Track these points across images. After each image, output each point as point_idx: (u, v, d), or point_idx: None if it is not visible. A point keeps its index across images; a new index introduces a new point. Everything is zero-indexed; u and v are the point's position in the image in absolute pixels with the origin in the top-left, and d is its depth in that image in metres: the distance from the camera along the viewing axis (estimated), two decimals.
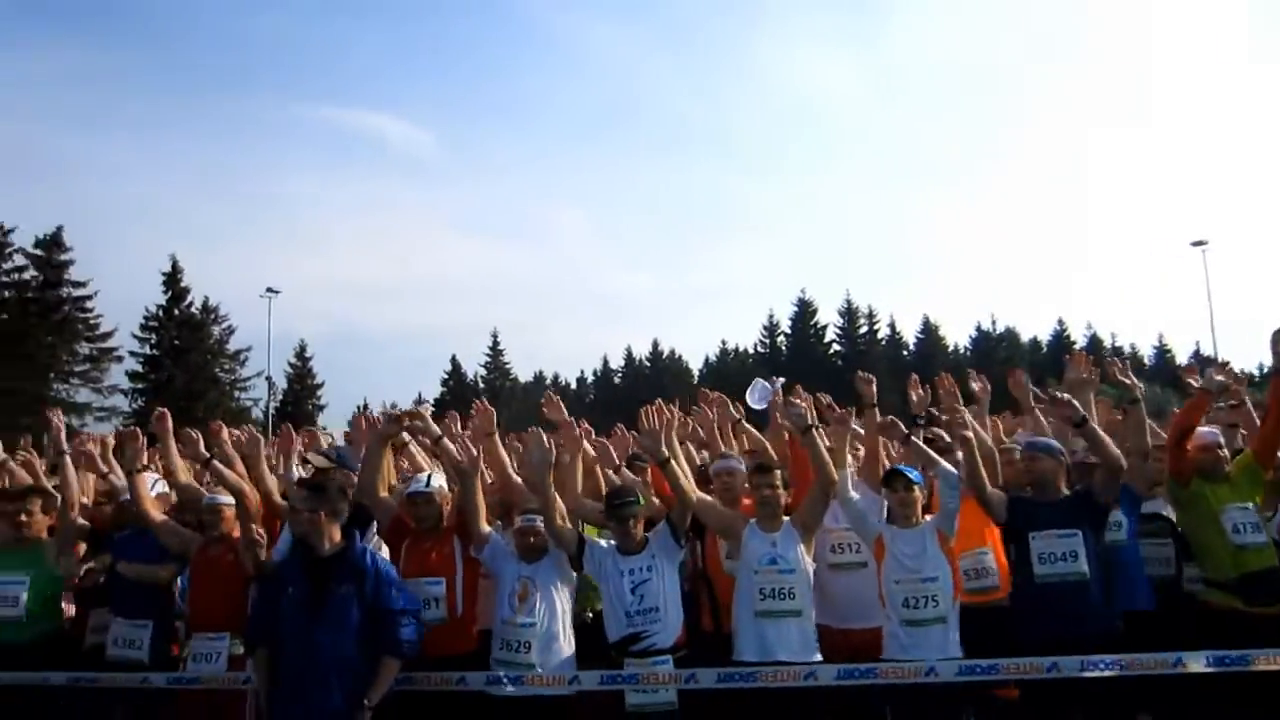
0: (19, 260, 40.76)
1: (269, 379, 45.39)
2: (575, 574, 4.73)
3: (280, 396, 51.74)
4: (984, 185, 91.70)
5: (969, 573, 4.88)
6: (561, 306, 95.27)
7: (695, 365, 63.98)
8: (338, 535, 4.18)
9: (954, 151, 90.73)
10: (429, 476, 4.88)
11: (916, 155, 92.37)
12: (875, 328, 60.21)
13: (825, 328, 59.58)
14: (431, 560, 4.72)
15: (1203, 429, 5.08)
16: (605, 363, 66.15)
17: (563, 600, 4.61)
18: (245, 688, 4.48)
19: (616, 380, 64.39)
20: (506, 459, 5.39)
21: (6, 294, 40.05)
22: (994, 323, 60.24)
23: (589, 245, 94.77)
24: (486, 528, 4.73)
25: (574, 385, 66.65)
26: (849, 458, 4.90)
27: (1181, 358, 60.77)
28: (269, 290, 41.35)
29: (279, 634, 4.08)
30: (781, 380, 6.45)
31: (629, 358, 65.39)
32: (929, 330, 60.75)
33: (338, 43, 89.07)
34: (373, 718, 3.98)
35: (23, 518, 5.10)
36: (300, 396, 55.20)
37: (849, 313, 59.26)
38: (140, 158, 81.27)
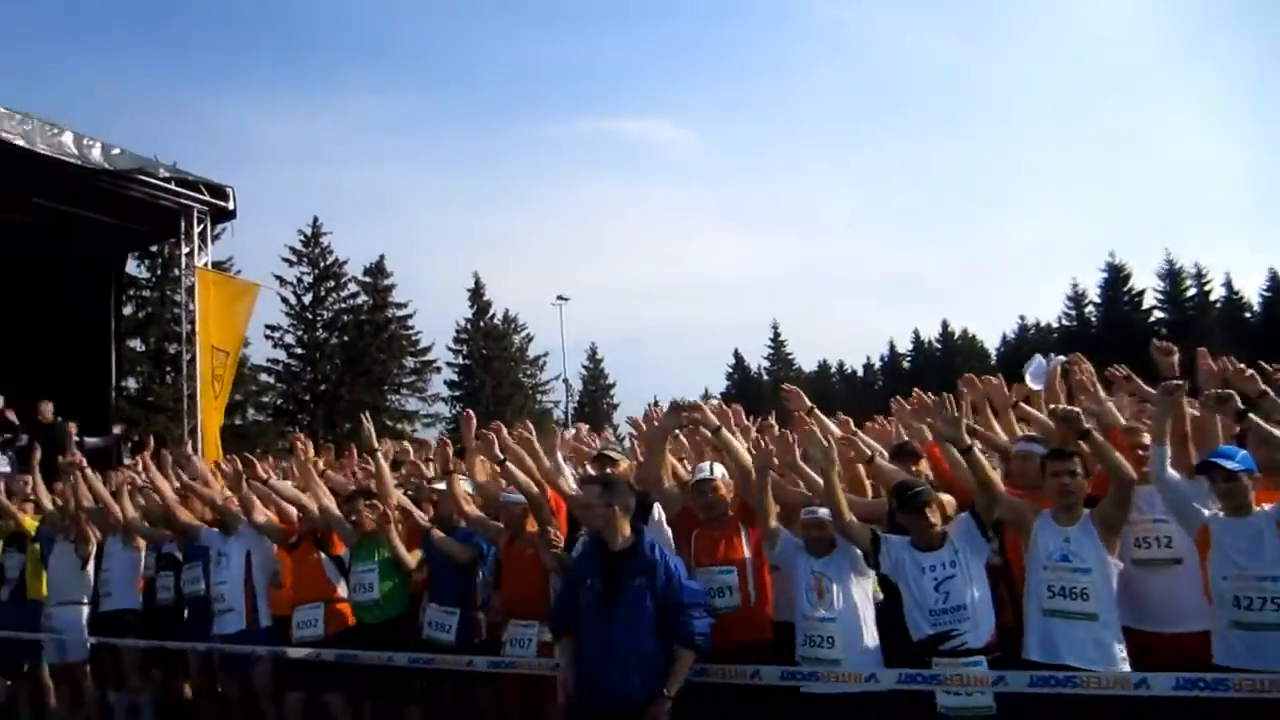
0: (353, 288, 46.41)
1: (565, 381, 48.40)
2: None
3: (576, 398, 55.11)
4: None
5: None
6: (841, 293, 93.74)
7: (992, 345, 60.05)
8: (628, 530, 4.27)
9: None
10: (711, 465, 4.83)
11: (1239, 88, 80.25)
12: (1206, 289, 52.75)
13: (1142, 293, 52.95)
14: (721, 549, 4.68)
15: None
16: (891, 347, 63.81)
17: (862, 594, 4.37)
18: (554, 673, 4.59)
19: (905, 365, 61.68)
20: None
21: (345, 318, 45.69)
22: None
23: (865, 229, 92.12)
24: (775, 524, 4.55)
25: (860, 372, 64.86)
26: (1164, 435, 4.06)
27: None
28: (559, 298, 43.99)
29: (578, 625, 4.25)
30: (1061, 358, 5.68)
31: (917, 341, 62.61)
32: (1277, 287, 52.06)
33: (599, 55, 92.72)
34: (672, 709, 4.02)
35: (354, 517, 5.59)
36: (595, 397, 58.50)
37: (1171, 274, 52.26)
38: (445, 186, 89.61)
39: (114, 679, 6.75)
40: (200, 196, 13.77)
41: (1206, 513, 3.92)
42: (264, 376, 42.38)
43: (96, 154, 12.14)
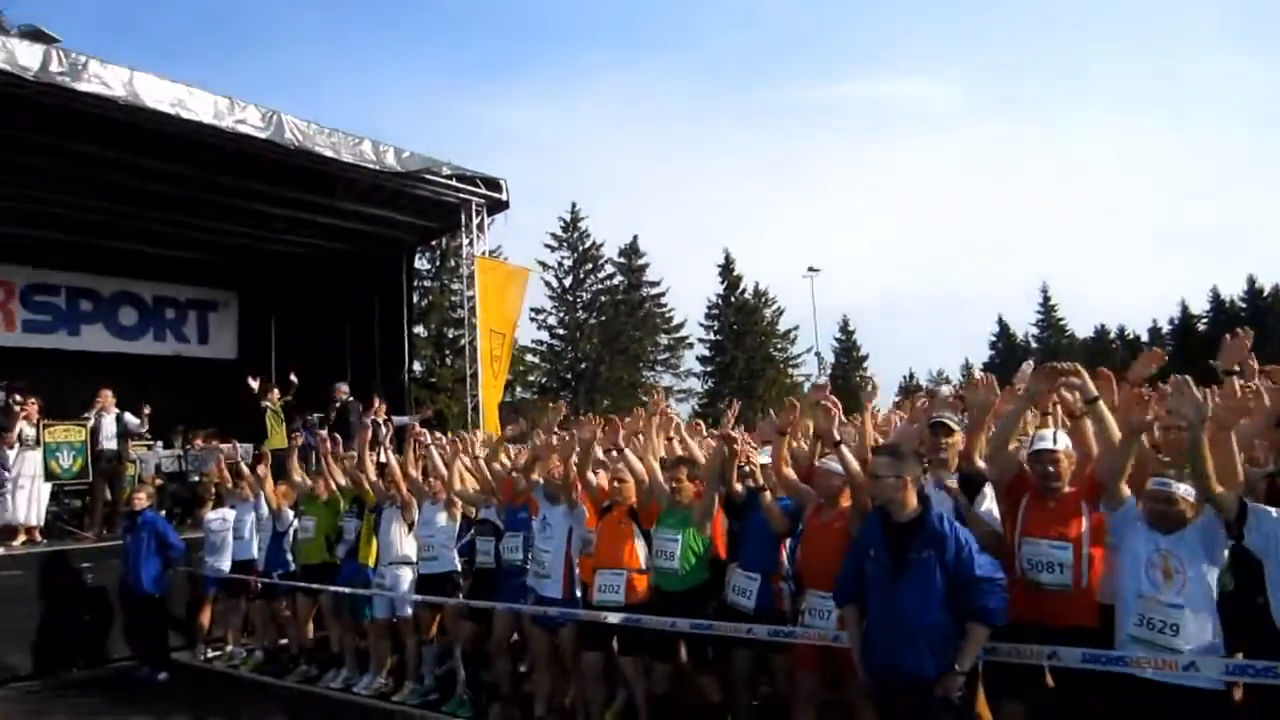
0: (609, 269, 48.23)
1: (818, 355, 47.67)
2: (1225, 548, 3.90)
3: (829, 371, 54.05)
4: None
5: None
6: (1125, 249, 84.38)
7: None
8: (914, 501, 4.12)
9: None
10: (1055, 434, 4.47)
11: None
12: None
13: None
14: (1058, 523, 4.31)
15: None
16: (1184, 309, 56.79)
17: (1210, 580, 3.86)
18: (841, 645, 4.51)
19: (1200, 328, 54.77)
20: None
21: (603, 299, 47.63)
22: None
23: (1151, 176, 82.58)
24: (1126, 490, 4.14)
25: (1145, 338, 58.39)
26: None
27: None
28: (810, 269, 43.29)
29: (865, 596, 4.18)
30: None
31: (1215, 300, 55.41)
32: None
33: (842, 16, 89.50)
34: (966, 683, 3.90)
35: (673, 484, 5.73)
36: (848, 370, 57.12)
37: None
38: (691, 164, 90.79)
39: (429, 633, 7.52)
40: (478, 190, 14.80)
41: None
42: (530, 357, 45.18)
43: (390, 158, 13.34)
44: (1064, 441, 4.41)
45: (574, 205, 47.69)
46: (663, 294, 48.83)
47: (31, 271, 15.03)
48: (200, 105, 11.20)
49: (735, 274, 50.79)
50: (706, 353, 50.11)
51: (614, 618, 5.60)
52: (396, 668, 7.82)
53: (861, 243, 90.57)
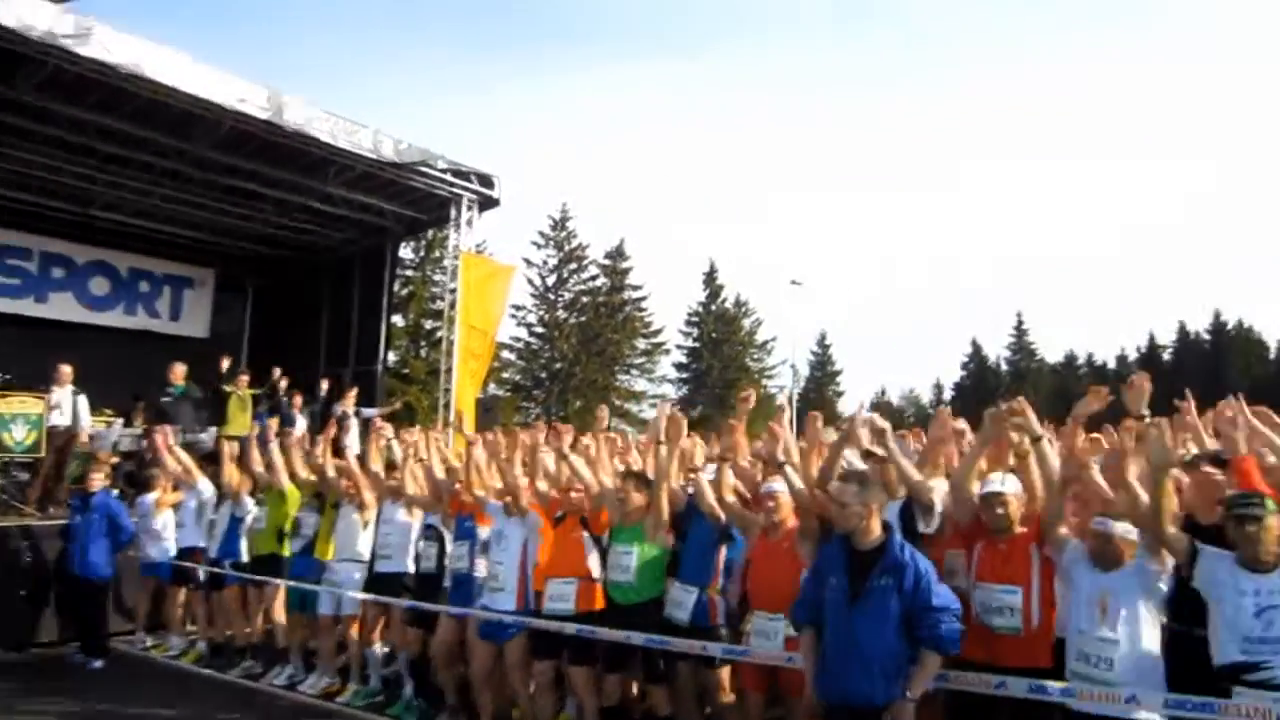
0: (593, 270, 48.17)
1: (792, 367, 47.80)
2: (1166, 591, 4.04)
3: (802, 384, 54.37)
4: None
5: None
6: (1093, 276, 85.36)
7: (1274, 338, 52.93)
8: (878, 529, 4.14)
9: None
10: (1003, 477, 4.52)
11: None
12: None
13: None
14: (1005, 566, 4.40)
15: None
16: (1151, 339, 57.54)
17: (1150, 616, 3.99)
18: (791, 666, 4.56)
19: (1165, 359, 55.46)
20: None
21: (585, 299, 47.57)
22: None
23: (1121, 203, 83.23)
24: (1065, 530, 4.30)
25: (1112, 365, 58.94)
26: None
27: None
28: (793, 282, 43.38)
29: (822, 620, 4.18)
30: None
31: (1182, 332, 56.18)
32: None
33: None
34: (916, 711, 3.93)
35: (621, 498, 5.70)
36: (820, 383, 57.48)
37: None
38: (685, 168, 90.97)
39: (373, 634, 7.38)
40: (471, 185, 14.67)
41: None
42: (505, 353, 45.03)
43: (388, 149, 13.21)
44: (1013, 485, 4.48)
45: (564, 205, 47.77)
46: (644, 298, 48.94)
47: (3, 233, 14.70)
48: (203, 79, 11.01)
49: (718, 282, 51.04)
50: (683, 359, 50.22)
51: (570, 629, 5.57)
52: (345, 668, 7.66)
53: (848, 258, 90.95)
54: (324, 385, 13.82)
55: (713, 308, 50.86)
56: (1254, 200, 79.11)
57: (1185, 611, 4.04)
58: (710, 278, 51.07)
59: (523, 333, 46.84)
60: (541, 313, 47.15)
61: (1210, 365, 51.03)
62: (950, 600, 4.05)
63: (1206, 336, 55.00)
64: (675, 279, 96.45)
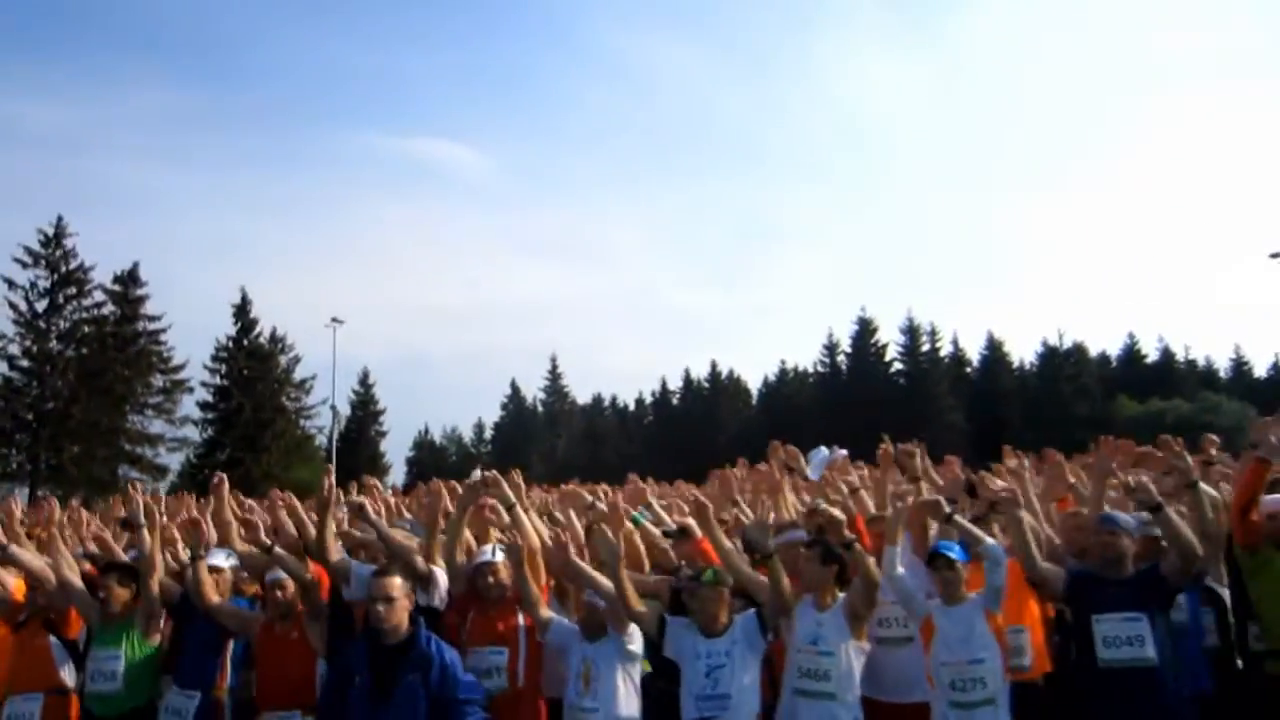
0: (99, 296, 42.24)
1: (333, 407, 46.24)
2: (640, 652, 4.64)
3: (343, 424, 52.80)
4: (1050, 196, 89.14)
5: None
6: (622, 328, 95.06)
7: (755, 385, 63.53)
8: (406, 622, 4.17)
9: (1022, 160, 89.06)
10: (494, 548, 4.88)
11: (980, 163, 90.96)
12: (938, 346, 58.64)
13: (886, 346, 58.06)
14: (496, 630, 4.75)
15: (1268, 497, 4.84)
16: (664, 384, 65.74)
17: (628, 680, 4.54)
18: None
19: (674, 402, 63.86)
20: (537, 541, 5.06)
21: (87, 329, 41.46)
22: (1061, 338, 57.71)
23: (651, 266, 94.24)
24: (546, 613, 4.73)
25: (632, 407, 66.38)
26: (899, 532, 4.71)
27: (1260, 370, 58.51)
28: (334, 320, 42.20)
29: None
30: (844, 451, 6.26)
31: (687, 379, 64.97)
32: (994, 347, 58.92)
33: (399, 71, 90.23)
34: None
35: (102, 595, 5.12)
36: (363, 423, 56.23)
37: (911, 330, 57.52)
38: (213, 192, 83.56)
39: None
40: None
41: (930, 604, 4.57)
42: None
43: None
44: (501, 555, 4.84)
45: (60, 218, 41.22)
46: (163, 330, 44.06)
47: None
48: None
49: (251, 316, 47.49)
50: (209, 398, 45.95)
51: None
52: None
53: (391, 295, 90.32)
54: None
55: (244, 343, 47.25)
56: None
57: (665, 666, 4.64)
58: (242, 310, 47.39)
59: (2, 366, 39.50)
60: (29, 344, 40.16)
61: (711, 406, 59.62)
62: (477, 691, 4.21)
63: (706, 384, 64.05)
64: (201, 310, 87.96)
